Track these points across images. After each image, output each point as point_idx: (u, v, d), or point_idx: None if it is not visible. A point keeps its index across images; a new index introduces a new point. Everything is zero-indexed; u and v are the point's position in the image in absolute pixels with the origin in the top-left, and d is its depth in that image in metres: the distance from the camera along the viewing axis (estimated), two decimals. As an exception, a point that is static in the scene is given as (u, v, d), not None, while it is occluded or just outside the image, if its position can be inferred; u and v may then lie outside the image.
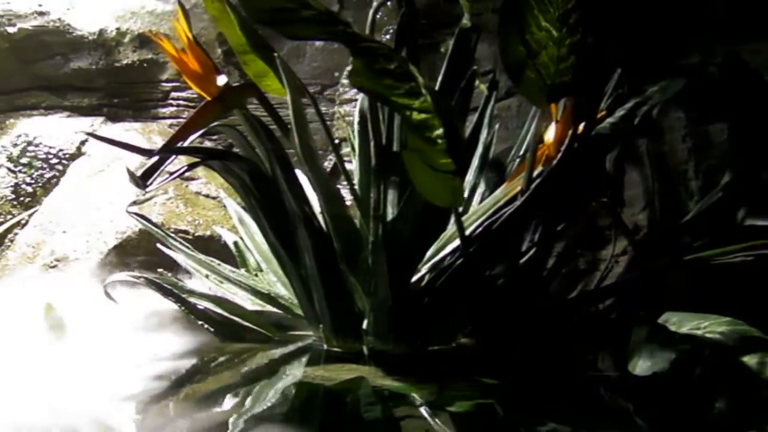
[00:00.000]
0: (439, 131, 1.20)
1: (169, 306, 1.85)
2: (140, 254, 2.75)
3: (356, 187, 1.77)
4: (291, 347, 1.76)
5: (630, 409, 1.44)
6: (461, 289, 1.64)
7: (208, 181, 3.11)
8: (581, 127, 1.55)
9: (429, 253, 1.68)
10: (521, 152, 1.85)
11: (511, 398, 1.43)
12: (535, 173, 1.62)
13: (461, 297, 1.66)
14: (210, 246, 2.57)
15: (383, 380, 1.48)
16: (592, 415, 1.38)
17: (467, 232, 1.59)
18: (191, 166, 1.69)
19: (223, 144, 3.20)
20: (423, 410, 1.35)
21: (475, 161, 1.79)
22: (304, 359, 1.70)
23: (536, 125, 1.65)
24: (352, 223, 1.66)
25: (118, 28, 3.79)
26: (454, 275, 1.63)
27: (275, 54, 1.55)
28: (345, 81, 2.74)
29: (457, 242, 1.64)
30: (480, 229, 1.64)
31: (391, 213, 1.64)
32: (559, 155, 1.56)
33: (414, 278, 1.67)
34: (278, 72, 1.55)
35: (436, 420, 1.29)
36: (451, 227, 1.71)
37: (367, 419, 1.34)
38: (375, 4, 1.80)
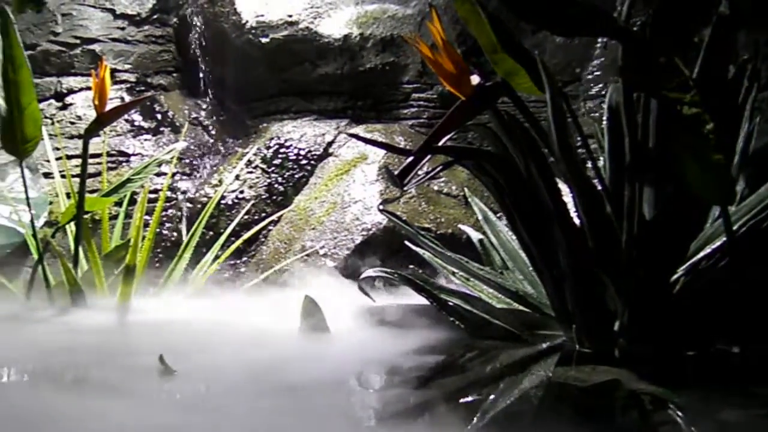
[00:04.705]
0: (710, 126, 1.15)
1: (418, 301, 1.90)
2: (385, 251, 2.84)
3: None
4: (540, 346, 1.75)
5: None
6: (723, 291, 1.56)
7: (449, 180, 3.17)
8: None
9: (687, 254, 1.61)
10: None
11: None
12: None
13: (723, 300, 1.57)
14: (452, 244, 2.61)
15: (638, 384, 1.43)
16: None
17: (730, 232, 1.50)
18: (446, 165, 1.72)
19: (461, 142, 3.23)
20: (679, 417, 1.29)
21: (735, 157, 1.69)
22: (553, 359, 1.68)
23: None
24: (609, 222, 1.62)
25: (361, 34, 3.94)
26: (716, 277, 1.55)
27: (534, 53, 1.54)
28: (589, 77, 2.67)
29: (717, 243, 1.56)
30: (744, 228, 1.54)
31: (646, 211, 1.58)
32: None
33: (670, 279, 1.61)
34: (532, 70, 1.54)
35: (692, 429, 1.23)
36: (709, 227, 1.63)
37: (622, 424, 1.31)
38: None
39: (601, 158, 1.82)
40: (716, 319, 1.62)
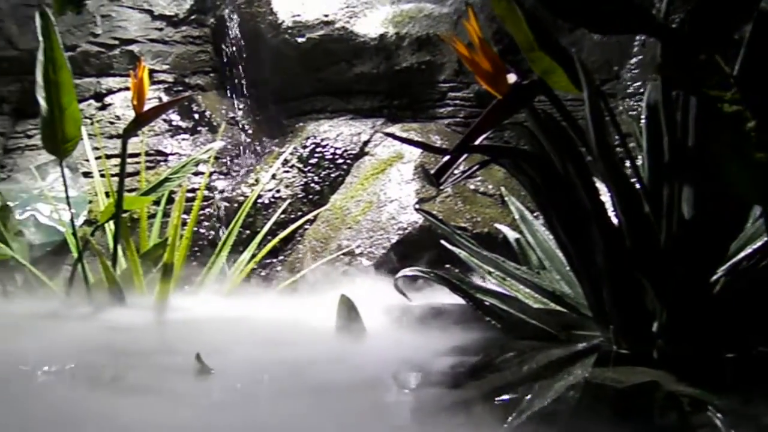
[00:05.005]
0: (751, 124, 1.13)
1: (454, 300, 1.89)
2: (421, 250, 2.84)
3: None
4: (577, 347, 1.74)
5: None
6: (764, 292, 1.54)
7: (485, 179, 3.16)
8: None
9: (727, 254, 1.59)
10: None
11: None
12: None
13: (764, 301, 1.55)
14: (488, 243, 2.60)
15: (677, 386, 1.41)
16: None
17: (771, 233, 1.48)
18: (482, 165, 1.71)
19: (497, 141, 3.22)
20: (718, 420, 1.27)
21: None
22: (591, 359, 1.66)
23: None
24: (647, 222, 1.60)
25: (397, 33, 3.94)
26: (757, 277, 1.53)
27: (571, 51, 1.53)
28: (627, 75, 2.64)
29: (758, 243, 1.54)
30: (786, 229, 1.52)
31: (685, 211, 1.56)
32: None
33: (710, 280, 1.59)
34: (570, 69, 1.53)
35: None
36: (750, 227, 1.61)
37: (660, 426, 1.29)
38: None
39: (640, 157, 1.80)
40: (757, 321, 1.59)
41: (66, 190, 2.70)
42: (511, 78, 1.63)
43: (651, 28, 1.20)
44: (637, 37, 3.09)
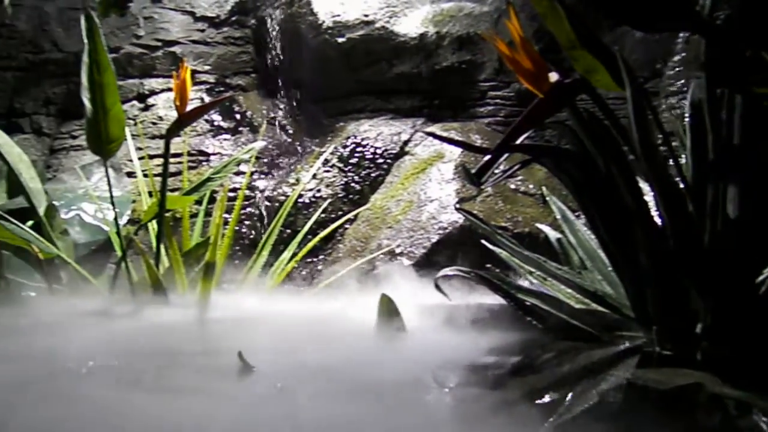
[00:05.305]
0: (799, 122, 1.11)
1: (494, 300, 1.88)
2: (461, 250, 2.83)
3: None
4: (619, 348, 1.72)
5: None
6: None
7: (526, 178, 3.14)
8: None
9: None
10: None
11: None
12: None
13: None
14: (529, 243, 2.58)
15: (721, 388, 1.39)
16: None
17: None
18: (523, 164, 1.70)
19: (538, 140, 3.20)
20: (764, 423, 1.25)
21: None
22: (633, 361, 1.65)
23: None
24: (691, 222, 1.58)
25: (437, 32, 3.93)
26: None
27: (614, 49, 1.52)
28: (671, 73, 2.61)
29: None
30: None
31: (730, 210, 1.54)
32: None
33: (756, 280, 1.56)
34: (612, 67, 1.52)
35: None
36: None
37: (705, 428, 1.27)
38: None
39: (683, 156, 1.78)
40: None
41: (110, 190, 2.73)
42: (553, 77, 1.61)
43: (695, 24, 1.18)
44: (681, 34, 3.05)
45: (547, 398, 1.44)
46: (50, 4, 4.23)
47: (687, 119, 1.73)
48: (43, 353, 1.79)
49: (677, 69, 2.90)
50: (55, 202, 3.05)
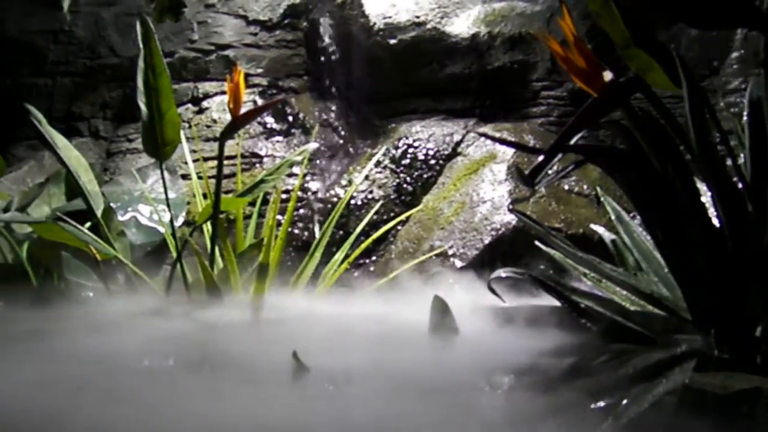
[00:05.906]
0: None
1: (548, 302, 1.87)
2: (514, 251, 2.82)
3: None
4: (676, 351, 1.70)
5: None
6: None
7: (579, 179, 3.11)
8: None
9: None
10: None
11: None
12: None
13: None
14: (583, 244, 2.56)
15: (782, 392, 1.36)
16: None
17: None
18: (577, 164, 1.69)
19: (592, 140, 3.17)
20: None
21: None
22: (690, 364, 1.62)
23: None
24: (750, 222, 1.56)
25: (489, 32, 3.91)
26: None
27: (669, 47, 1.50)
28: (728, 70, 2.57)
29: None
30: None
31: (792, 211, 1.51)
32: None
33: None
34: (668, 65, 1.50)
35: None
36: None
37: (765, 433, 1.25)
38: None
39: (742, 155, 1.75)
40: None
41: (165, 192, 2.77)
42: (607, 76, 1.60)
43: (754, 21, 1.16)
44: (739, 31, 3.00)
45: (602, 403, 1.42)
46: (107, 11, 4.31)
47: (745, 117, 1.70)
48: (101, 353, 1.82)
49: (735, 66, 2.85)
50: (112, 205, 3.11)
